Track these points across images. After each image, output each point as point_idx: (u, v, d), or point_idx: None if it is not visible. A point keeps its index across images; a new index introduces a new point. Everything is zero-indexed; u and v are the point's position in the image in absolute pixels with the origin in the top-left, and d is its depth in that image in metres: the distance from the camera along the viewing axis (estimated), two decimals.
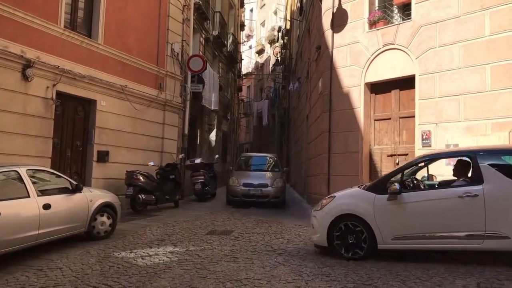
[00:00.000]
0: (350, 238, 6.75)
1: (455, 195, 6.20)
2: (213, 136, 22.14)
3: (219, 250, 7.54)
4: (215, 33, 21.28)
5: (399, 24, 10.89)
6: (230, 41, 25.41)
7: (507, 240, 5.87)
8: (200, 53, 18.25)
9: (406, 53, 10.59)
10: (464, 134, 9.33)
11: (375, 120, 11.51)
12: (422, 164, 7.47)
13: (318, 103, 13.48)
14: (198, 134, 19.30)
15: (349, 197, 7.19)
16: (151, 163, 12.98)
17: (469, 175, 6.64)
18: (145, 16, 13.62)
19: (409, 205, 6.44)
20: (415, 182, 7.21)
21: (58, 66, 10.16)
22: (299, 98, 21.16)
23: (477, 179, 6.17)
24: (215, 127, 22.45)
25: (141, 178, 11.93)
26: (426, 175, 7.94)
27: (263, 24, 43.37)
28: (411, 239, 6.41)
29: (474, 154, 6.40)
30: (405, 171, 6.90)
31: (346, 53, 11.97)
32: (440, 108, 9.81)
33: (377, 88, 11.49)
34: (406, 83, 10.66)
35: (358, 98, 11.58)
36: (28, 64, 9.38)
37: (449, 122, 9.63)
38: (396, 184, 6.51)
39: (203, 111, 19.34)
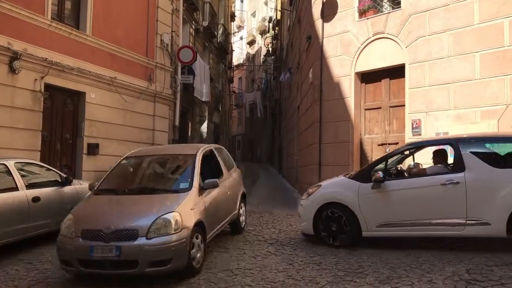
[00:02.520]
0: (333, 226, 6.87)
1: (438, 183, 6.30)
2: (204, 127, 22.08)
3: (210, 240, 7.52)
4: (205, 24, 21.14)
5: (389, 13, 10.86)
6: (220, 32, 25.25)
7: (487, 227, 6.00)
8: (190, 44, 18.13)
9: (396, 42, 10.57)
10: (454, 122, 9.37)
11: (366, 109, 11.51)
12: (407, 152, 7.55)
13: (309, 93, 13.46)
14: (189, 126, 19.24)
15: (334, 186, 7.31)
16: None
17: (449, 162, 6.78)
18: (133, 7, 13.48)
19: (393, 193, 6.54)
20: (400, 170, 7.29)
21: (46, 58, 10.04)
22: (290, 88, 21.12)
23: (459, 166, 6.26)
24: (207, 118, 22.38)
25: None
26: (412, 163, 8.02)
27: (253, 14, 43.18)
28: (395, 226, 6.51)
29: (456, 142, 6.49)
30: (390, 160, 7.03)
31: (336, 43, 11.93)
32: (430, 97, 9.83)
33: (367, 77, 11.48)
34: (396, 72, 10.65)
35: (348, 87, 11.56)
36: (15, 57, 9.25)
37: (439, 110, 9.66)
38: (379, 172, 6.63)
39: (194, 102, 19.26)
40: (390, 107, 10.99)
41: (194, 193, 6.07)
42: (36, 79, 9.86)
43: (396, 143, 10.73)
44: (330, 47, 12.06)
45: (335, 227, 6.86)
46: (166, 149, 8.40)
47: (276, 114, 31.10)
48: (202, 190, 6.30)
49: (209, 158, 7.57)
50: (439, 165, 6.82)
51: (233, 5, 33.90)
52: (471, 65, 9.18)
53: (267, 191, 17.07)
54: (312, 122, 12.67)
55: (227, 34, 28.27)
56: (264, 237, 7.85)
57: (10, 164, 6.77)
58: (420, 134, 9.86)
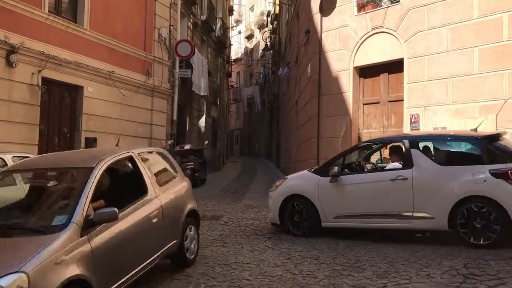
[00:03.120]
0: (296, 216, 7.36)
1: (388, 178, 6.71)
2: (202, 122, 22.04)
3: (209, 235, 7.56)
4: (203, 17, 21.04)
5: (387, 7, 10.82)
6: (218, 26, 25.16)
7: (431, 220, 6.37)
8: (188, 38, 18.06)
9: (395, 36, 10.54)
10: (452, 117, 9.36)
11: (364, 104, 11.50)
12: (374, 147, 8.05)
13: (307, 88, 13.44)
14: (187, 120, 19.19)
15: (298, 179, 7.88)
16: None
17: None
18: (131, 1, 13.41)
19: (347, 187, 7.03)
20: (361, 165, 7.72)
21: (43, 52, 9.98)
22: (288, 83, 21.10)
23: (408, 163, 6.66)
24: (205, 113, 22.33)
25: None
26: (380, 158, 8.45)
27: (252, 8, 43.07)
28: (349, 217, 6.97)
29: (406, 140, 6.90)
30: (356, 155, 7.63)
31: (335, 37, 11.90)
32: (428, 92, 9.82)
33: (366, 72, 11.46)
34: (395, 66, 10.63)
35: (347, 82, 11.55)
36: (12, 50, 9.19)
37: (438, 105, 9.65)
38: (335, 167, 7.10)
39: (192, 97, 19.22)
40: (389, 101, 10.98)
41: (72, 233, 3.84)
42: (33, 73, 9.81)
43: None
44: (329, 42, 12.03)
45: (297, 218, 7.33)
46: (59, 159, 5.40)
47: (274, 109, 31.07)
48: (91, 225, 4.03)
49: (124, 171, 5.53)
50: (396, 162, 7.08)
51: None
52: (469, 59, 9.16)
53: (265, 186, 17.06)
54: (310, 116, 12.67)
55: (225, 28, 28.15)
56: (262, 231, 7.86)
57: (8, 158, 6.74)
58: (418, 129, 9.86)
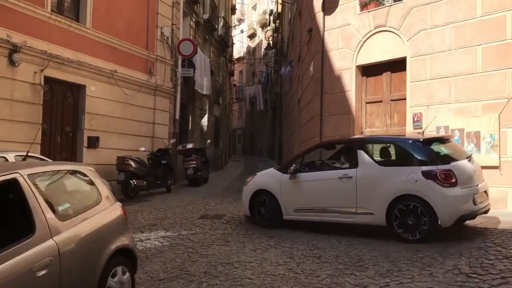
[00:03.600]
0: (262, 209, 8.10)
1: (336, 176, 7.29)
2: (205, 121, 22.04)
3: (211, 234, 7.56)
4: (206, 16, 21.02)
5: (390, 5, 10.79)
6: (221, 25, 25.12)
7: (372, 216, 6.88)
8: (191, 37, 18.05)
9: (398, 35, 10.52)
10: (455, 116, 9.33)
11: (367, 103, 11.48)
12: (337, 147, 8.50)
13: (309, 86, 13.42)
14: (190, 119, 19.19)
15: (265, 176, 8.60)
16: (143, 149, 12.90)
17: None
18: (133, 0, 13.42)
19: (303, 183, 7.71)
20: (322, 163, 8.35)
21: (46, 51, 10.00)
22: (291, 82, 21.07)
23: (354, 163, 7.23)
24: (207, 112, 22.32)
25: (132, 163, 11.87)
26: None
27: (254, 7, 43.00)
28: (305, 211, 7.63)
29: (354, 141, 7.68)
30: (306, 155, 8.23)
31: (337, 36, 11.88)
32: (431, 90, 9.79)
33: (368, 70, 11.44)
34: (398, 65, 10.61)
35: (349, 81, 11.53)
36: (14, 49, 9.21)
37: (440, 104, 9.62)
38: (293, 165, 7.85)
39: (194, 96, 19.21)
40: (391, 100, 10.96)
41: None
42: (35, 72, 9.83)
43: None
44: (331, 40, 12.01)
45: (263, 211, 8.08)
46: None
47: (276, 108, 31.04)
48: None
49: (2, 200, 3.61)
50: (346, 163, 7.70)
51: None
52: (472, 58, 9.13)
53: None
54: (312, 115, 12.65)
55: (227, 27, 28.11)
56: (264, 230, 7.84)
57: (10, 157, 6.76)
58: (421, 128, 9.82)
